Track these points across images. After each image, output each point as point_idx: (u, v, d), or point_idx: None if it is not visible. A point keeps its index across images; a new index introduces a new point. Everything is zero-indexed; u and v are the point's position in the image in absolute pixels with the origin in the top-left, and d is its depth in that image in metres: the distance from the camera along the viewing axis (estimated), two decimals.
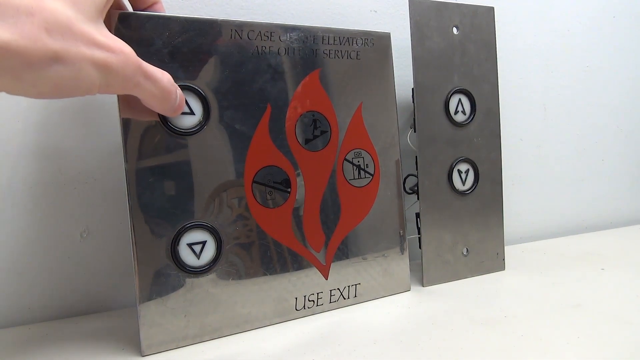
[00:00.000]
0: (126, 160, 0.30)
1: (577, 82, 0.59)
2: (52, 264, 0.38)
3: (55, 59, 0.21)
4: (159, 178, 0.31)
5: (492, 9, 0.45)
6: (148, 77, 0.25)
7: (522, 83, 0.56)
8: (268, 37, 0.34)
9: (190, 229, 0.32)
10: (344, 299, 0.37)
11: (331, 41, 0.37)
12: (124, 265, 0.40)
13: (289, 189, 0.35)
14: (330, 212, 0.37)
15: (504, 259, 0.45)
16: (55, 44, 0.20)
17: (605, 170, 0.62)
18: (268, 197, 0.34)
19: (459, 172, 0.43)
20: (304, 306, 0.36)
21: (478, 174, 0.43)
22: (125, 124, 0.30)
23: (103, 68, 0.22)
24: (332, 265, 0.37)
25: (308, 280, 0.36)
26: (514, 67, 0.55)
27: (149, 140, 0.31)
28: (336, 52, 0.37)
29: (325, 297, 0.36)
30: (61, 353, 0.32)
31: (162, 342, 0.31)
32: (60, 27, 0.21)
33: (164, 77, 0.27)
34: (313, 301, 0.36)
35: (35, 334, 0.35)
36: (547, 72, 0.57)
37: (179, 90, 0.29)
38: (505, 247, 0.46)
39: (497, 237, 0.45)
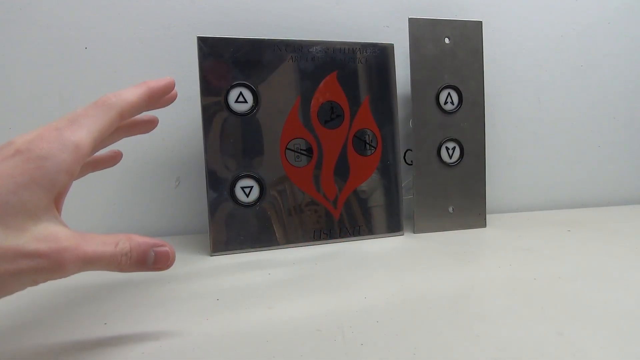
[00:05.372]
0: (204, 132, 0.47)
1: (571, 80, 0.69)
2: (154, 201, 0.57)
3: None
4: (224, 144, 0.48)
5: (480, 23, 0.57)
6: (91, 261, 0.23)
7: (516, 80, 0.67)
8: (299, 49, 0.50)
9: (243, 177, 0.48)
10: (350, 234, 0.52)
11: (346, 51, 0.52)
12: (201, 204, 0.57)
13: (311, 155, 0.51)
14: (342, 172, 0.52)
15: (485, 219, 0.57)
16: None
17: (601, 155, 0.71)
18: (296, 159, 0.50)
19: (447, 148, 0.56)
20: (320, 237, 0.51)
21: (463, 150, 0.56)
22: (205, 109, 0.47)
23: (32, 273, 0.22)
24: (342, 210, 0.52)
25: (323, 219, 0.51)
26: (510, 66, 0.66)
27: (219, 118, 0.48)
28: (350, 59, 0.52)
29: (335, 232, 0.51)
30: None
31: (224, 247, 0.48)
32: None
33: (107, 250, 0.24)
34: (327, 234, 0.51)
35: None
36: (541, 71, 0.67)
37: (156, 247, 0.26)
38: (496, 215, 0.58)
39: (480, 201, 0.57)
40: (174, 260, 0.28)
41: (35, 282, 0.23)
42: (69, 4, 0.53)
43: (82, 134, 0.25)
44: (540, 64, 0.68)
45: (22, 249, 0.21)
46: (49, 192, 0.23)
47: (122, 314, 0.33)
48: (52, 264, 0.22)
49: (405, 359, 0.26)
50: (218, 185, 0.48)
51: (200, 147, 0.48)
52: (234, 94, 0.48)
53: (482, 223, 0.57)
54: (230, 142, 0.48)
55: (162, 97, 0.31)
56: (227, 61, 0.48)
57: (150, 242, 0.26)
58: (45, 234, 0.22)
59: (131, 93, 0.28)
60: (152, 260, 0.26)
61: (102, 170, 0.35)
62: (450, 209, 0.56)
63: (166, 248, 0.27)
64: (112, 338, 0.29)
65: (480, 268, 0.42)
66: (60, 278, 0.23)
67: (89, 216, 0.56)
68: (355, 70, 0.52)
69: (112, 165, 0.36)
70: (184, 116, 0.57)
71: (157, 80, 0.30)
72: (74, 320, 0.32)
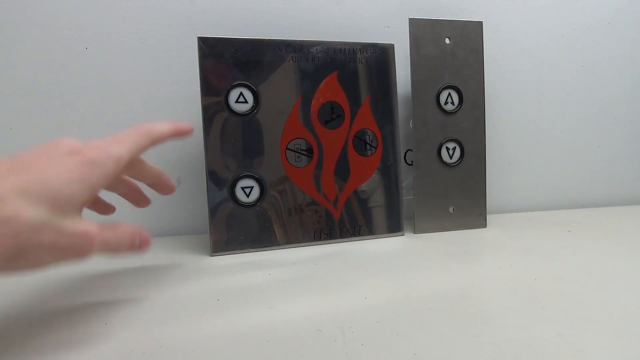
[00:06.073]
0: (204, 132, 0.47)
1: (571, 80, 0.69)
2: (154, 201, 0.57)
3: (15, 257, 0.24)
4: (224, 144, 0.48)
5: (480, 23, 0.57)
6: (106, 246, 0.28)
7: (517, 80, 0.67)
8: (300, 49, 0.50)
9: (244, 177, 0.48)
10: (350, 235, 0.52)
11: (346, 51, 0.52)
12: (201, 204, 0.57)
13: (312, 155, 0.51)
14: (342, 172, 0.52)
15: (485, 219, 0.57)
16: (18, 245, 0.23)
17: (601, 155, 0.71)
18: (296, 159, 0.50)
19: (447, 148, 0.56)
20: (320, 237, 0.51)
21: (463, 150, 0.56)
22: (205, 109, 0.47)
23: (66, 251, 0.26)
24: (342, 210, 0.52)
25: (324, 219, 0.51)
26: (510, 67, 0.66)
27: (219, 118, 0.48)
28: (350, 59, 0.52)
29: (335, 232, 0.51)
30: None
31: (225, 248, 0.48)
32: (28, 233, 0.24)
33: (114, 235, 0.29)
34: (327, 234, 0.51)
35: None
36: (541, 71, 0.67)
37: (139, 232, 0.30)
38: (496, 215, 0.58)
39: (480, 201, 0.57)
40: (150, 243, 0.32)
41: (64, 260, 0.26)
42: (69, 4, 0.54)
43: (123, 150, 0.29)
44: (540, 64, 0.68)
45: (64, 229, 0.25)
46: (91, 192, 0.27)
47: (122, 314, 0.33)
48: (84, 246, 0.26)
49: (405, 359, 0.26)
50: (218, 185, 0.48)
51: (201, 147, 0.48)
52: (234, 94, 0.48)
53: (482, 223, 0.57)
54: (231, 142, 0.48)
55: (181, 137, 0.36)
56: (227, 61, 0.48)
57: (134, 228, 0.31)
58: (81, 223, 0.26)
59: (165, 127, 0.34)
60: (138, 244, 0.31)
61: None
62: (451, 209, 0.56)
63: (146, 232, 0.31)
64: (112, 338, 0.29)
65: (481, 268, 0.42)
66: (83, 259, 0.27)
67: (90, 216, 0.56)
68: (355, 70, 0.52)
69: (105, 214, 0.40)
70: (184, 116, 0.57)
71: (184, 124, 0.36)
72: (74, 320, 0.32)
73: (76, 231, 0.26)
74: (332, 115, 0.51)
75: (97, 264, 0.46)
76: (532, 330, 0.29)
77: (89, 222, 0.27)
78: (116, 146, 0.29)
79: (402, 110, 0.58)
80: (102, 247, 0.28)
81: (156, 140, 0.33)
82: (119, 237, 0.29)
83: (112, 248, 0.29)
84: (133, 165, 0.36)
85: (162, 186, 0.40)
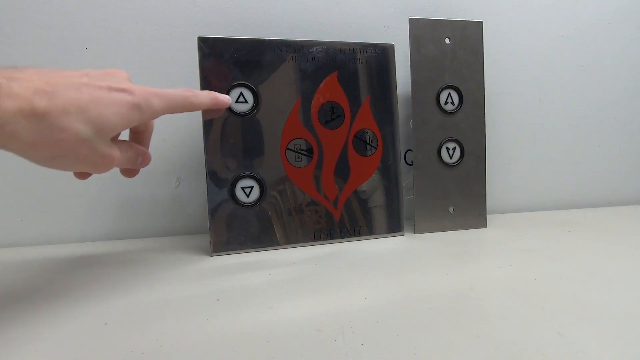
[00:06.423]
0: (204, 133, 0.47)
1: (572, 80, 0.69)
2: (154, 201, 0.57)
3: (54, 157, 0.29)
4: (224, 145, 0.48)
5: (480, 23, 0.57)
6: (120, 165, 0.36)
7: (517, 80, 0.67)
8: (300, 49, 0.50)
9: (244, 177, 0.48)
10: (350, 235, 0.52)
11: (346, 51, 0.52)
12: (201, 204, 0.57)
13: (312, 155, 0.51)
14: (342, 172, 0.52)
15: (485, 219, 0.57)
16: (61, 150, 0.29)
17: (601, 155, 0.71)
18: (296, 159, 0.50)
19: (447, 148, 0.56)
20: (320, 237, 0.51)
21: (463, 151, 0.56)
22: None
23: (92, 164, 0.31)
24: (342, 210, 0.52)
25: (324, 220, 0.51)
26: (510, 67, 0.66)
27: (219, 119, 0.48)
28: (350, 59, 0.52)
29: (335, 232, 0.51)
30: (148, 254, 0.49)
31: (225, 248, 0.48)
32: (73, 144, 0.29)
33: (127, 156, 0.36)
34: (327, 234, 0.51)
35: (136, 245, 0.53)
36: (541, 71, 0.67)
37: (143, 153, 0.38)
38: (496, 215, 0.57)
39: (480, 201, 0.57)
40: (148, 161, 0.39)
41: (86, 170, 0.33)
42: (69, 5, 0.54)
43: (162, 106, 0.35)
44: (540, 64, 0.68)
45: (97, 150, 0.31)
46: (125, 128, 0.33)
47: (122, 314, 0.33)
48: (105, 165, 0.32)
49: (405, 359, 0.26)
50: (218, 185, 0.48)
51: (201, 147, 0.48)
52: (234, 94, 0.48)
53: (482, 223, 0.57)
54: (231, 142, 0.48)
55: (218, 108, 0.44)
56: (227, 61, 0.48)
57: (140, 151, 0.38)
58: (111, 147, 0.32)
59: (205, 98, 0.41)
60: (139, 162, 0.38)
61: None
62: (451, 209, 0.56)
63: (147, 154, 0.39)
64: (112, 338, 0.29)
65: (481, 268, 0.42)
66: (99, 172, 0.33)
67: (90, 216, 0.56)
68: (355, 70, 0.52)
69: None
70: (185, 116, 0.57)
71: (224, 97, 0.44)
72: (74, 320, 0.32)
73: (104, 153, 0.31)
74: (332, 115, 0.51)
75: (97, 263, 0.46)
76: (532, 330, 0.29)
77: (114, 147, 0.33)
78: (158, 100, 0.34)
79: (402, 110, 0.58)
80: (117, 165, 0.34)
81: (193, 109, 0.39)
82: (129, 156, 0.36)
83: (123, 165, 0.36)
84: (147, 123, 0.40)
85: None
